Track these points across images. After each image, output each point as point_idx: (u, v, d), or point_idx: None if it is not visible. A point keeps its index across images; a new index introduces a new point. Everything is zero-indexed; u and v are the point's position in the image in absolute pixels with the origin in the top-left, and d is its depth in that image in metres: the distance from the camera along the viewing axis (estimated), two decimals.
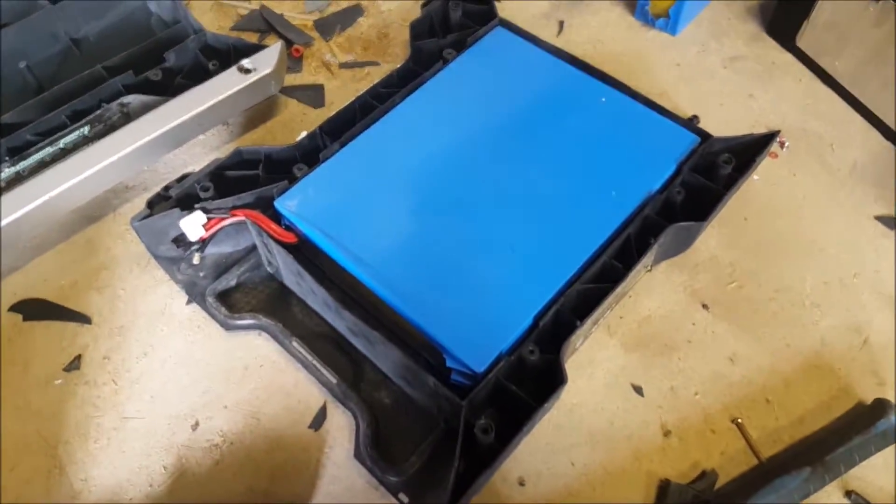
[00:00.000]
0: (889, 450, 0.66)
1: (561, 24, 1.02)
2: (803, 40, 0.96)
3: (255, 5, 1.04)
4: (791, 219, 0.83)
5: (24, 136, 0.78)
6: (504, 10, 1.02)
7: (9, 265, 0.78)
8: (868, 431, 0.65)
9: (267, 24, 1.02)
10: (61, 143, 0.78)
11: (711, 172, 0.73)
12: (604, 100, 0.78)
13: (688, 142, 0.74)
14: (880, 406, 0.67)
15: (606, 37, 1.00)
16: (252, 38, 1.00)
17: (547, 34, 1.00)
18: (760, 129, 0.90)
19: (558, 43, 0.98)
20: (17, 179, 0.76)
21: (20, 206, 0.71)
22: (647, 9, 0.99)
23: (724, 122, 0.90)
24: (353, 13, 1.04)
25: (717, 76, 0.96)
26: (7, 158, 0.76)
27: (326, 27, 1.02)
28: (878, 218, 0.83)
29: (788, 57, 0.98)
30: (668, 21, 0.98)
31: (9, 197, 0.72)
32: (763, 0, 1.04)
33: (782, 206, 0.84)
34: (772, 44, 1.00)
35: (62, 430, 0.68)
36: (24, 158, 0.77)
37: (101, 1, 0.93)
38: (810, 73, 0.96)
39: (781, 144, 0.88)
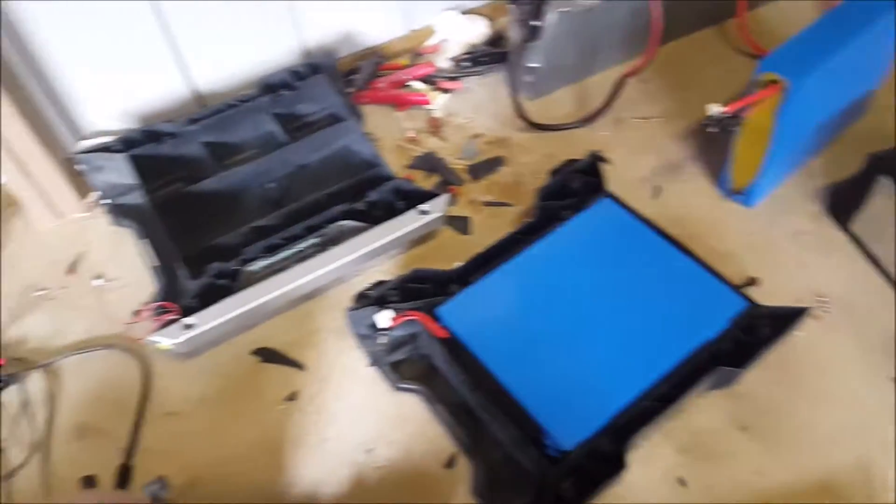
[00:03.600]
0: None
1: (657, 188, 1.29)
2: (856, 226, 1.17)
3: (425, 150, 1.38)
4: (822, 369, 1.03)
5: (274, 239, 1.12)
6: (615, 170, 1.29)
7: (253, 323, 1.11)
8: None
9: (433, 165, 1.34)
10: (299, 248, 1.13)
11: (755, 331, 0.99)
12: (679, 264, 1.06)
13: (739, 306, 1.00)
14: None
15: (693, 203, 1.26)
16: (421, 174, 1.33)
17: (645, 195, 1.27)
18: (810, 295, 1.11)
19: (653, 204, 1.26)
20: (268, 269, 1.12)
21: (271, 291, 1.06)
22: (728, 185, 1.24)
23: (779, 284, 1.12)
24: (496, 162, 1.35)
25: (779, 246, 1.18)
26: (264, 254, 1.12)
27: (476, 172, 1.33)
28: (895, 379, 1.02)
29: (843, 237, 1.18)
30: (744, 196, 1.23)
31: (264, 284, 1.06)
32: (827, 185, 1.26)
33: (817, 358, 1.04)
34: (830, 224, 1.20)
35: (283, 440, 0.99)
36: (274, 255, 1.12)
37: (320, 139, 1.30)
38: (859, 253, 1.16)
39: (824, 309, 1.10)
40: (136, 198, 1.24)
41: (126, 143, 1.24)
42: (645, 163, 1.33)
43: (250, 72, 1.40)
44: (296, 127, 1.37)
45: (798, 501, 0.92)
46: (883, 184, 1.09)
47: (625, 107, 1.42)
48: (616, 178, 1.28)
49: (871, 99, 1.34)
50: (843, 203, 1.20)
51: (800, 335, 1.07)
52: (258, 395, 1.05)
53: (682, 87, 1.47)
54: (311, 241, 1.14)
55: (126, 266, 1.21)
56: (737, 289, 1.04)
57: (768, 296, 1.10)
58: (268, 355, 1.10)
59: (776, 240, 1.20)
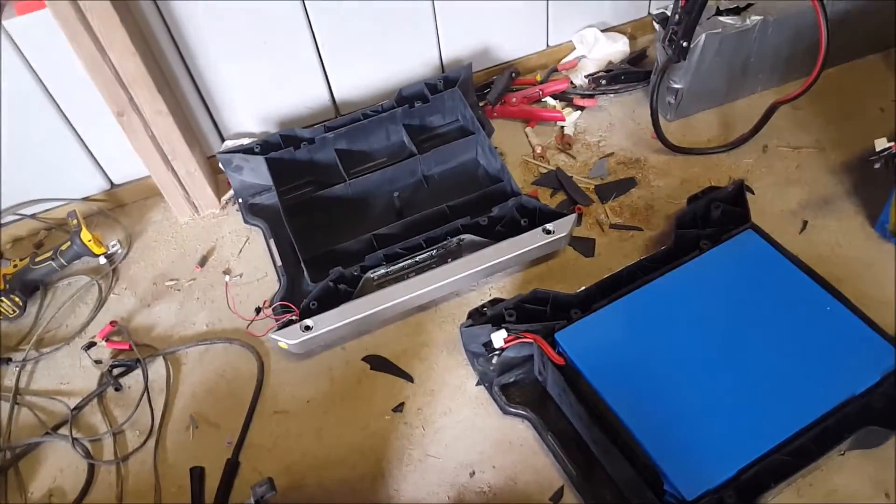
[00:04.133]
0: None
1: (805, 223, 1.19)
2: None
3: (552, 166, 1.36)
4: None
5: (395, 248, 1.13)
6: (758, 200, 1.21)
7: (366, 331, 1.13)
8: None
9: (559, 183, 1.31)
10: (417, 258, 1.14)
11: None
12: (829, 308, 0.97)
13: (893, 358, 0.90)
14: None
15: (844, 241, 1.15)
16: (546, 192, 1.31)
17: (792, 229, 1.18)
18: None
19: (800, 240, 1.17)
20: (386, 277, 1.13)
21: (388, 300, 1.07)
22: (887, 226, 1.12)
23: None
24: (627, 184, 1.30)
25: None
26: (384, 262, 1.14)
27: (604, 192, 1.29)
28: None
29: None
30: None
31: (381, 293, 1.08)
32: None
33: None
34: None
35: (386, 451, 1.00)
36: (393, 264, 1.13)
37: (447, 152, 1.31)
38: None
39: None
40: (269, 198, 1.31)
41: (265, 146, 1.30)
42: (792, 195, 1.23)
43: (387, 82, 1.43)
44: (425, 138, 1.39)
45: None
46: None
47: (773, 134, 1.32)
48: (759, 210, 1.19)
49: None
50: None
51: None
52: (365, 403, 1.06)
53: (840, 116, 1.35)
54: (431, 252, 1.14)
55: (253, 264, 1.27)
56: (892, 339, 0.93)
57: None
58: (378, 363, 1.11)
59: None
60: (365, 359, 1.12)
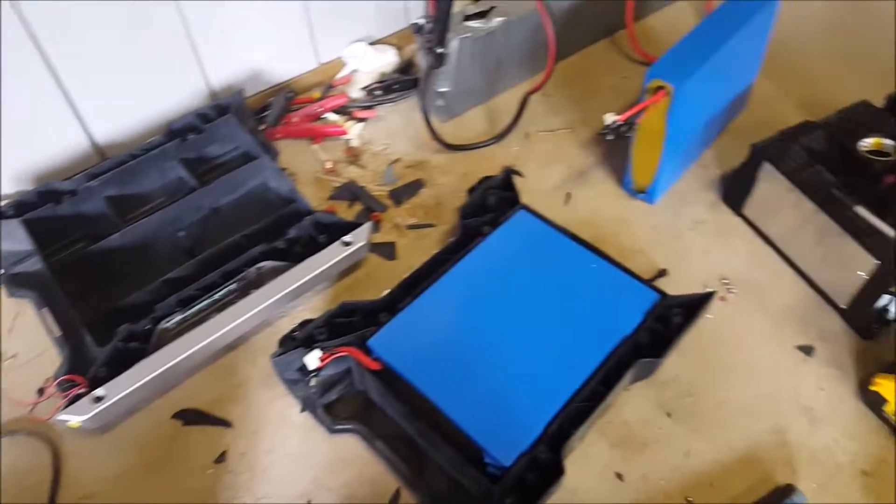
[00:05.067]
0: None
1: (568, 194, 1.34)
2: (748, 210, 1.26)
3: (344, 180, 1.39)
4: (734, 347, 1.10)
5: (189, 290, 1.08)
6: (528, 181, 1.35)
7: (171, 386, 1.07)
8: None
9: (353, 195, 1.35)
10: (216, 296, 1.10)
11: (667, 321, 1.04)
12: (594, 266, 1.11)
13: (651, 299, 1.06)
14: (789, 488, 0.93)
15: (602, 204, 1.32)
16: (343, 205, 1.34)
17: (558, 202, 1.32)
18: (715, 279, 1.18)
19: (566, 209, 1.31)
20: (184, 323, 1.08)
21: (187, 348, 1.02)
22: (631, 185, 1.31)
23: (687, 273, 1.19)
24: (416, 185, 1.37)
25: (684, 236, 1.26)
26: (178, 308, 1.08)
27: (397, 197, 1.35)
28: (798, 347, 1.10)
29: (738, 221, 1.27)
30: (647, 194, 1.30)
31: (179, 342, 1.02)
32: (720, 175, 1.36)
33: (729, 338, 1.11)
34: (726, 210, 1.29)
35: None
36: (189, 308, 1.08)
37: (232, 180, 1.28)
38: (754, 234, 1.25)
39: (729, 290, 1.18)
40: (34, 264, 1.18)
41: (20, 207, 1.18)
42: (555, 172, 1.39)
43: (155, 118, 1.37)
44: (206, 170, 1.35)
45: (726, 476, 0.97)
46: (766, 169, 1.18)
47: (532, 121, 1.48)
48: (530, 190, 1.33)
49: (750, 92, 1.45)
50: (735, 190, 1.28)
51: (710, 318, 1.14)
52: (182, 463, 1.01)
53: (583, 98, 1.53)
54: (229, 287, 1.12)
55: (28, 341, 1.14)
56: (648, 283, 1.09)
57: (678, 284, 1.17)
58: (190, 417, 1.05)
59: (680, 231, 1.27)
60: (175, 415, 1.05)
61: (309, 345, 1.01)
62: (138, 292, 1.11)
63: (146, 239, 1.21)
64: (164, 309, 1.07)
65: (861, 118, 1.22)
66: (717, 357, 1.10)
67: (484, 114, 1.52)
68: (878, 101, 1.26)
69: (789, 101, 1.50)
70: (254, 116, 1.43)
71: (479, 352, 1.02)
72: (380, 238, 1.29)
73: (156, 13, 1.26)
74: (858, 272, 1.06)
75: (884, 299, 1.05)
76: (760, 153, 1.18)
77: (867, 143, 1.15)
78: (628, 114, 1.10)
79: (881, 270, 1.02)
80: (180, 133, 1.31)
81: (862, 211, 0.99)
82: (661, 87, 1.10)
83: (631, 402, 1.05)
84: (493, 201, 1.22)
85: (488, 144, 1.44)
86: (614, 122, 1.10)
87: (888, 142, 1.14)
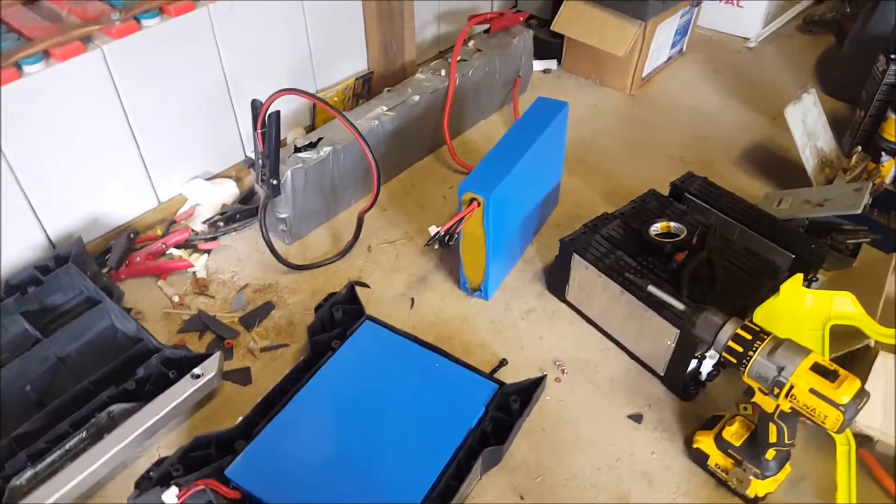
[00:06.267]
0: None
1: (412, 300, 1.45)
2: (569, 296, 1.41)
3: (193, 311, 1.43)
4: (573, 424, 1.20)
5: (39, 444, 1.06)
6: (373, 293, 1.44)
7: None
8: None
9: (204, 325, 1.38)
10: (67, 446, 1.08)
11: (507, 408, 1.15)
12: (437, 365, 1.21)
13: (490, 389, 1.16)
14: None
15: (444, 305, 1.43)
16: (194, 336, 1.36)
17: (404, 307, 1.42)
18: (549, 362, 1.31)
19: (412, 314, 1.41)
20: (36, 479, 1.05)
21: (41, 501, 1.00)
22: (466, 285, 1.44)
23: (524, 360, 1.31)
24: (266, 308, 1.42)
25: (518, 326, 1.39)
26: (29, 463, 1.07)
27: (248, 321, 1.39)
28: (629, 416, 1.22)
29: (563, 307, 1.42)
30: (481, 292, 1.43)
31: (32, 496, 1.01)
32: (543, 266, 1.52)
33: (567, 416, 1.22)
34: (552, 298, 1.44)
35: None
36: (40, 461, 1.06)
37: (77, 327, 1.28)
38: (578, 316, 1.40)
39: (563, 371, 1.32)
40: None
41: None
42: (398, 280, 1.50)
43: None
44: (50, 320, 1.33)
45: None
46: (576, 260, 1.35)
47: (373, 234, 1.60)
48: (377, 300, 1.43)
49: (558, 190, 1.67)
50: (555, 280, 1.45)
51: (549, 399, 1.26)
52: None
53: (417, 209, 1.68)
54: (79, 435, 1.10)
55: None
56: (488, 375, 1.20)
57: (518, 371, 1.29)
58: None
59: (514, 322, 1.41)
60: None
61: (165, 483, 1.02)
62: None
63: None
64: (13, 466, 1.05)
65: (650, 205, 1.44)
66: (559, 435, 1.20)
67: (327, 232, 1.62)
68: (665, 188, 1.49)
69: (594, 194, 1.74)
70: (95, 261, 1.44)
71: (338, 464, 1.07)
72: (233, 365, 1.32)
73: None
74: (667, 341, 1.22)
75: (693, 363, 1.21)
76: (569, 246, 1.36)
77: (657, 227, 1.35)
78: (447, 225, 1.24)
79: (682, 339, 1.19)
80: (19, 287, 1.30)
81: (653, 289, 1.17)
82: (473, 199, 1.26)
83: (487, 490, 1.12)
84: (340, 316, 1.30)
85: (333, 261, 1.53)
86: (437, 233, 1.23)
87: (675, 224, 1.35)
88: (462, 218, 1.26)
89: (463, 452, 1.08)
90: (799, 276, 1.11)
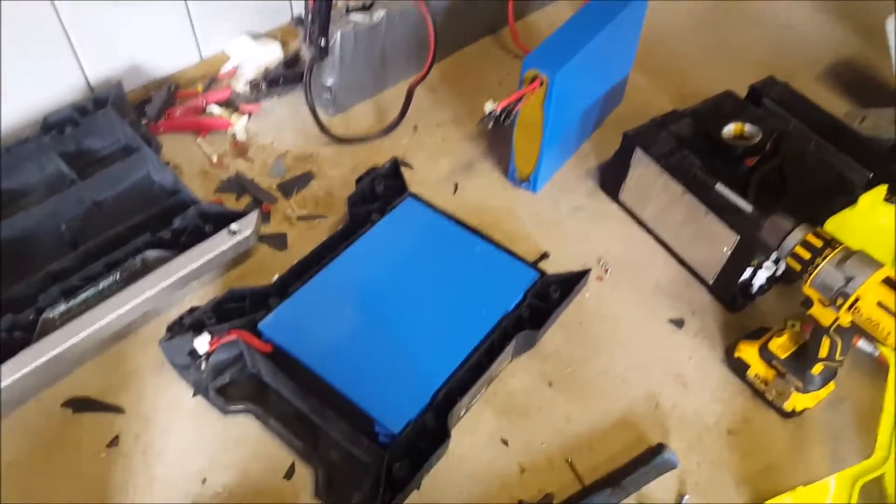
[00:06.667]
0: (667, 475, 1.00)
1: (456, 185, 1.39)
2: (623, 195, 1.35)
3: (231, 172, 1.39)
4: (611, 322, 1.18)
5: (72, 281, 1.07)
6: (415, 174, 1.39)
7: (60, 375, 1.05)
8: (650, 464, 0.98)
9: (241, 187, 1.35)
10: (100, 287, 1.08)
11: (547, 297, 1.11)
12: (478, 249, 1.17)
13: (531, 277, 1.12)
14: (658, 448, 1.00)
15: (488, 193, 1.38)
16: (231, 197, 1.34)
17: (447, 192, 1.37)
18: (593, 259, 1.27)
19: (454, 200, 1.37)
20: (68, 314, 1.06)
21: (72, 336, 1.00)
22: (515, 174, 1.38)
23: (567, 255, 1.26)
24: (306, 178, 1.38)
25: (564, 221, 1.34)
26: (62, 299, 1.07)
27: (287, 189, 1.35)
28: (670, 320, 1.19)
29: (614, 206, 1.36)
30: (530, 183, 1.37)
31: (64, 330, 1.01)
32: (597, 164, 1.46)
33: (605, 314, 1.19)
34: (604, 197, 1.38)
35: (108, 490, 0.95)
36: (73, 298, 1.06)
37: (114, 174, 1.26)
38: (629, 218, 1.34)
39: (606, 270, 1.27)
40: None
41: None
42: (443, 164, 1.44)
43: (30, 113, 1.31)
44: (86, 164, 1.30)
45: (604, 439, 1.04)
46: (638, 155, 1.27)
47: (420, 115, 1.53)
48: (419, 181, 1.38)
49: (624, 86, 1.56)
50: (610, 178, 1.38)
51: (588, 295, 1.22)
52: (74, 449, 0.99)
53: (469, 92, 1.60)
54: (113, 277, 1.09)
55: None
56: (530, 263, 1.16)
57: (559, 265, 1.24)
58: (81, 405, 1.04)
59: (560, 218, 1.35)
60: (65, 404, 1.03)
61: (198, 329, 1.01)
62: (20, 284, 1.07)
63: (27, 233, 1.17)
64: (47, 300, 1.04)
65: (725, 106, 1.34)
66: (594, 332, 1.17)
67: (372, 108, 1.55)
68: (742, 92, 1.39)
69: (663, 95, 1.63)
70: (135, 110, 1.40)
71: (369, 330, 1.05)
72: (270, 230, 1.29)
73: (29, 6, 1.22)
74: (724, 248, 1.16)
75: (747, 273, 1.15)
76: (632, 139, 1.28)
77: (730, 129, 1.26)
78: (506, 102, 1.16)
79: (741, 244, 1.13)
80: (57, 126, 1.27)
81: (721, 188, 1.09)
82: (537, 76, 1.17)
83: (515, 374, 1.11)
84: (382, 189, 1.25)
85: (377, 137, 1.47)
86: (493, 110, 1.16)
87: (749, 128, 1.25)
88: (522, 96, 1.17)
89: (497, 333, 1.05)
90: (882, 188, 1.02)
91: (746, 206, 1.04)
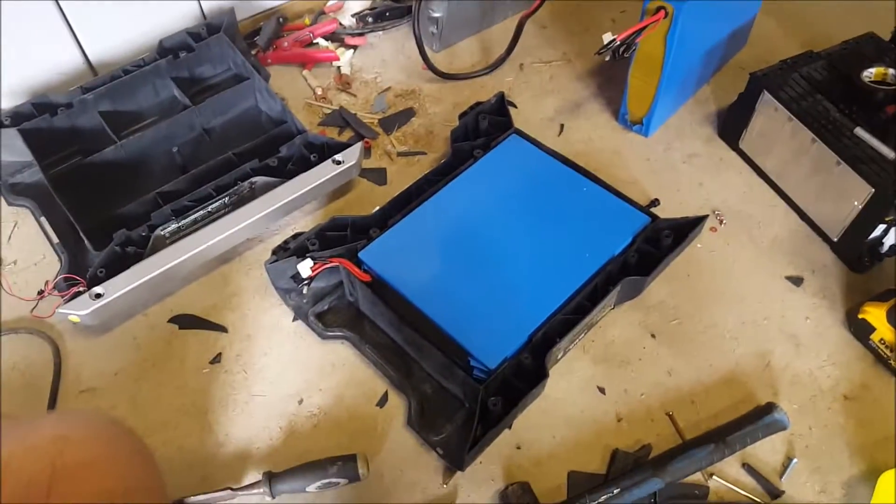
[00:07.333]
0: (775, 436, 0.93)
1: (562, 126, 1.34)
2: (744, 143, 1.26)
3: (335, 106, 1.39)
4: (722, 276, 1.11)
5: (183, 202, 1.10)
6: (521, 112, 1.34)
7: (167, 292, 1.09)
8: (758, 423, 0.93)
9: (344, 121, 1.35)
10: (209, 208, 1.11)
11: (658, 242, 1.05)
12: (585, 189, 1.11)
13: (642, 221, 1.06)
14: (769, 407, 0.94)
15: (596, 136, 1.32)
16: (333, 131, 1.34)
17: (552, 133, 1.32)
18: (706, 210, 1.18)
19: (559, 141, 1.32)
20: (178, 233, 1.10)
21: (182, 253, 1.03)
22: (626, 117, 1.31)
23: (678, 204, 1.19)
24: (407, 114, 1.37)
25: (677, 168, 1.26)
26: (174, 218, 1.10)
27: (388, 124, 1.34)
28: (788, 277, 1.11)
29: (733, 155, 1.27)
30: (642, 126, 1.30)
31: (174, 247, 1.04)
32: (716, 110, 1.36)
33: (717, 267, 1.12)
34: (721, 144, 1.29)
35: (209, 403, 0.98)
36: (184, 218, 1.10)
37: (224, 100, 1.27)
38: (749, 168, 1.25)
39: (721, 221, 1.19)
40: (32, 175, 1.20)
41: (16, 118, 1.18)
42: (549, 103, 1.38)
43: (146, 37, 1.35)
44: (198, 90, 1.34)
45: (708, 395, 0.99)
46: (765, 99, 1.17)
47: (527, 53, 1.46)
48: (523, 121, 1.32)
49: (749, 29, 1.43)
50: (731, 124, 1.28)
51: (700, 247, 1.15)
52: (179, 362, 1.03)
53: (580, 31, 1.52)
54: (222, 200, 1.12)
55: (27, 248, 1.16)
56: (641, 206, 1.09)
57: (669, 214, 1.16)
58: (186, 322, 1.08)
59: (673, 164, 1.27)
60: (171, 320, 1.08)
61: (301, 254, 1.02)
62: (133, 203, 1.11)
63: (140, 154, 1.21)
64: (159, 218, 1.08)
65: (866, 49, 1.21)
66: (704, 285, 1.10)
67: (478, 44, 1.50)
68: (886, 35, 1.25)
69: (791, 40, 1.49)
70: (245, 40, 1.41)
71: (469, 265, 1.02)
72: (370, 164, 1.28)
73: None
74: (854, 202, 1.06)
75: (878, 230, 1.05)
76: (760, 81, 1.18)
77: (871, 72, 1.14)
78: (627, 33, 1.08)
79: (875, 198, 1.02)
80: (172, 50, 1.30)
81: (862, 133, 0.98)
82: (661, 8, 1.09)
83: (617, 322, 1.06)
84: (486, 125, 1.21)
85: (483, 74, 1.42)
86: (612, 41, 1.08)
87: (893, 72, 1.13)
88: (645, 27, 1.09)
89: (601, 276, 1.00)
90: None
91: (889, 152, 0.94)
